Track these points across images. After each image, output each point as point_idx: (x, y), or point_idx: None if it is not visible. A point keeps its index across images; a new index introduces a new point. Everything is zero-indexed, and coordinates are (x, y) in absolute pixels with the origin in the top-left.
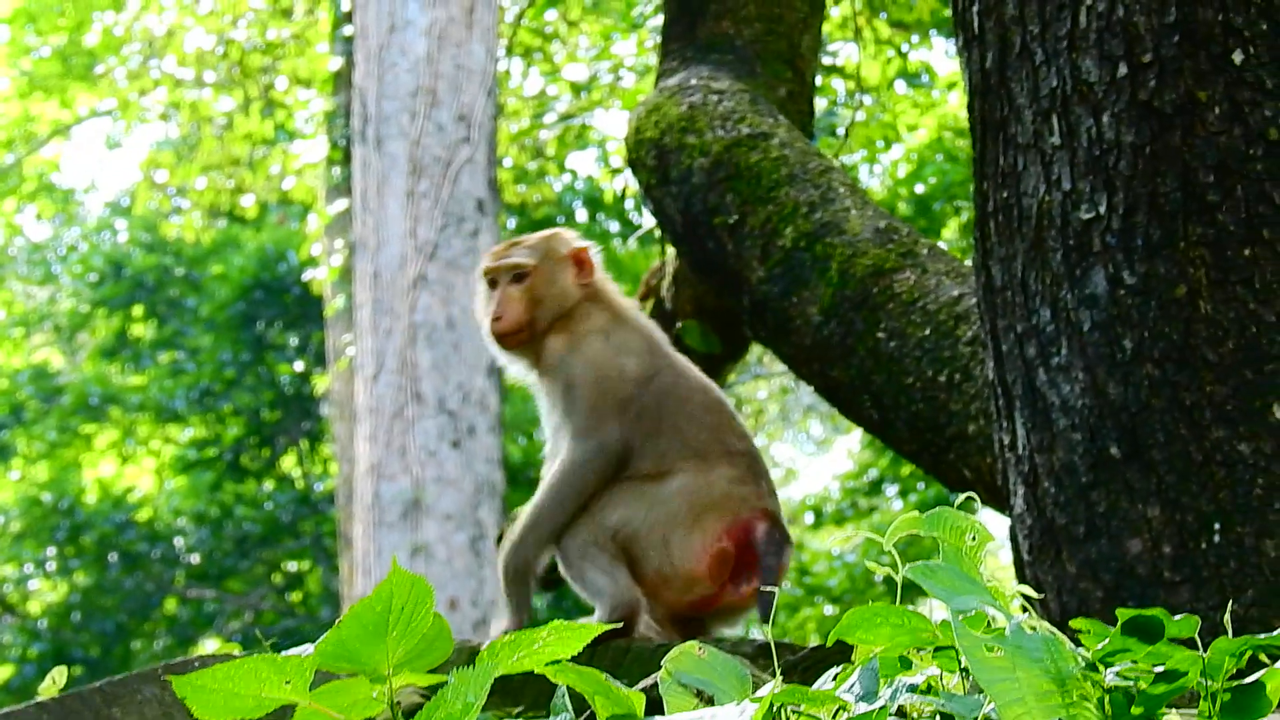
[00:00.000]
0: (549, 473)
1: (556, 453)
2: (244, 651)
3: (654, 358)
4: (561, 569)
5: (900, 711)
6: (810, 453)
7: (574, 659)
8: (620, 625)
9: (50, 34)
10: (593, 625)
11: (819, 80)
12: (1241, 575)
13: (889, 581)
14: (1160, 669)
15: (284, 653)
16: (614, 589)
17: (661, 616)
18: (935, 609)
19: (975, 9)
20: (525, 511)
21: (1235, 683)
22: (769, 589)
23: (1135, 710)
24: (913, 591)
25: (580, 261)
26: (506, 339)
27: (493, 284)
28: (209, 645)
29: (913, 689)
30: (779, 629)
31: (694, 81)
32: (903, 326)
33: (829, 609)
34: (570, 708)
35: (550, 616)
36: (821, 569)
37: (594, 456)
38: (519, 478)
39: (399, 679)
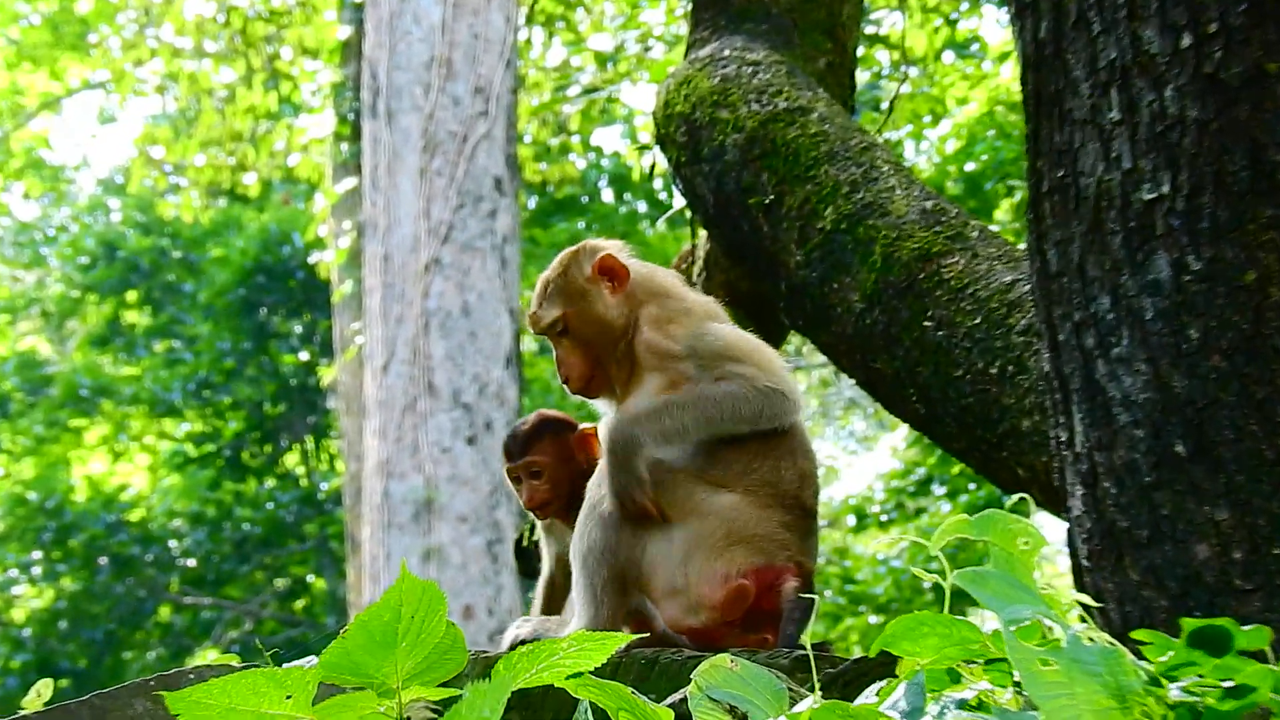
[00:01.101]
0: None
1: None
2: (243, 663)
3: None
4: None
5: None
6: (852, 450)
7: (596, 672)
8: (648, 635)
9: (39, 0)
10: (617, 635)
11: (861, 51)
12: None
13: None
14: (1229, 684)
15: (286, 665)
16: (595, 616)
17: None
18: (986, 619)
19: None
20: (656, 401)
21: None
22: (789, 631)
23: None
24: (962, 600)
25: (607, 272)
26: (584, 394)
27: (553, 340)
28: (206, 656)
29: (962, 705)
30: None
31: (727, 52)
32: (951, 315)
33: (873, 618)
34: None
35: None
36: (865, 575)
37: (768, 395)
38: None
39: (409, 693)
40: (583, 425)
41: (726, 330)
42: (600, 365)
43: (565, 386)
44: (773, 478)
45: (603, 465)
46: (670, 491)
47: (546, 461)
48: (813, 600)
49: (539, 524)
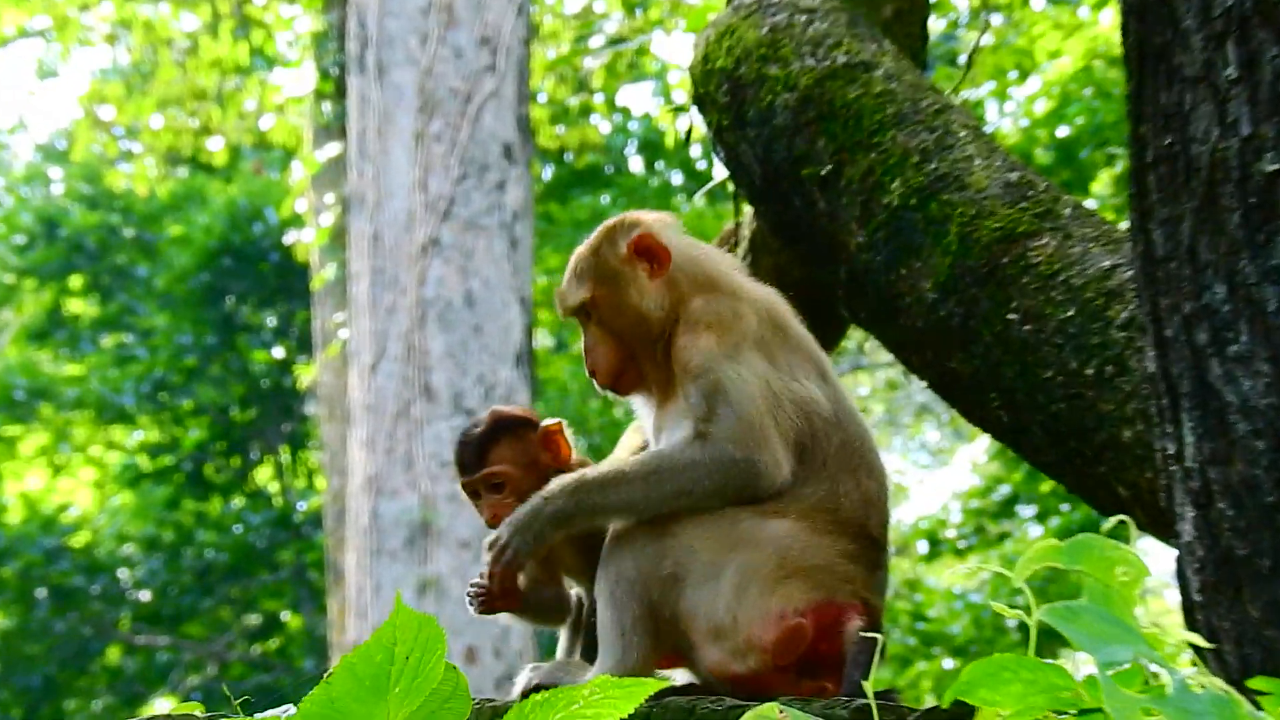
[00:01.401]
0: (661, 446)
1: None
2: (207, 714)
3: (824, 380)
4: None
5: None
6: (925, 464)
7: None
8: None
9: None
10: (647, 682)
11: None
12: None
13: (1022, 627)
14: None
15: (258, 715)
16: (621, 659)
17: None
18: (1079, 662)
19: None
20: (596, 467)
21: None
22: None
23: None
24: (1051, 640)
25: (645, 252)
26: (614, 390)
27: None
28: (162, 705)
29: None
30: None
31: None
32: (1040, 306)
33: (948, 662)
34: None
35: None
36: (939, 612)
37: (732, 469)
38: None
39: None
40: (545, 422)
41: (746, 363)
42: (635, 359)
43: (592, 379)
44: (830, 503)
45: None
46: (711, 519)
47: (507, 471)
48: (879, 640)
49: None
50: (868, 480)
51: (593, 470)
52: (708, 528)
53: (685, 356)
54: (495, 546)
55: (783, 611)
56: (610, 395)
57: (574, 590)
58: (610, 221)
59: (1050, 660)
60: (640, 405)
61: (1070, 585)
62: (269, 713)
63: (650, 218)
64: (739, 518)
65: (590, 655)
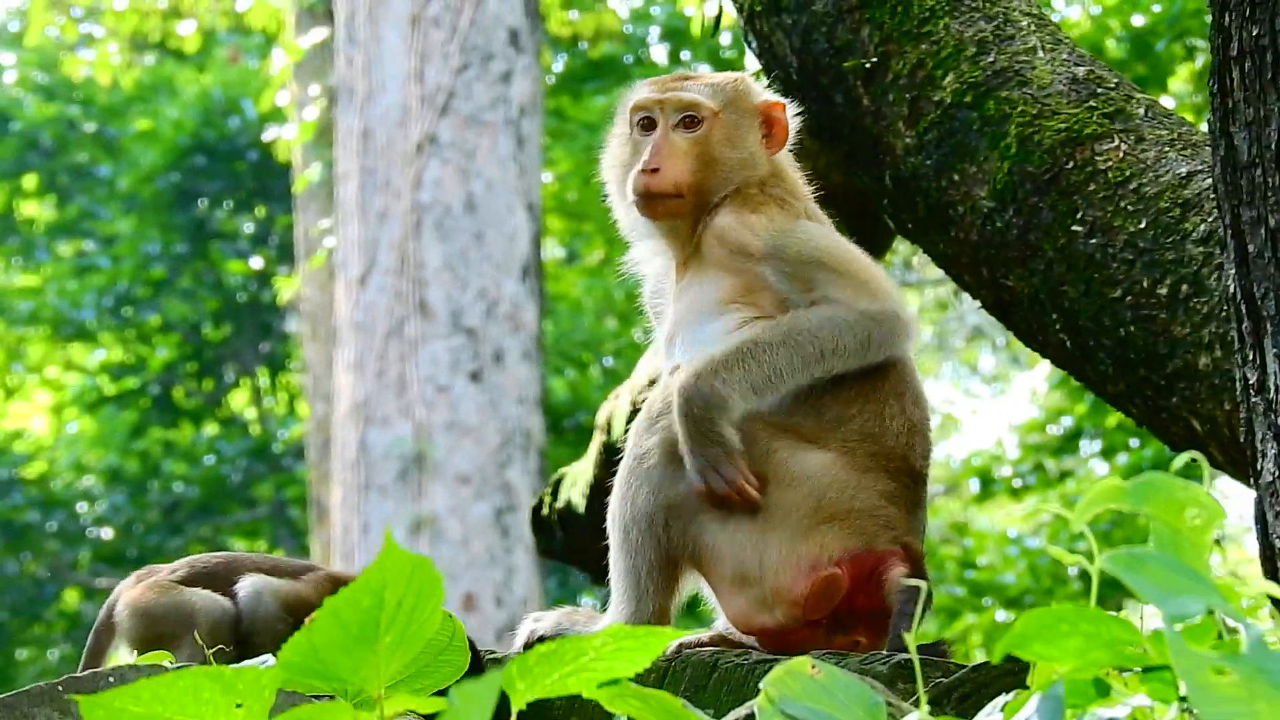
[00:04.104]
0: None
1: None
2: (176, 664)
3: None
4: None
5: None
6: (978, 394)
7: (638, 679)
8: (705, 633)
9: None
10: (665, 632)
11: None
12: None
13: (1083, 576)
14: None
15: (233, 666)
16: (634, 607)
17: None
18: (1144, 614)
19: None
20: (729, 342)
21: None
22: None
23: None
24: (1114, 590)
25: (771, 122)
26: (656, 203)
27: (647, 125)
28: (125, 655)
29: None
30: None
31: None
32: (1108, 217)
33: (1000, 614)
34: None
35: (560, 598)
36: (991, 559)
37: (869, 322)
38: (563, 425)
39: (394, 703)
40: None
41: (820, 232)
42: (698, 193)
43: (644, 180)
44: (875, 428)
45: (678, 429)
46: (744, 444)
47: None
48: (925, 589)
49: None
50: (914, 407)
51: (718, 350)
52: (750, 447)
53: (739, 238)
54: (707, 472)
55: (815, 560)
56: (639, 207)
57: None
58: (743, 74)
59: (1113, 612)
60: (645, 255)
61: (1137, 529)
62: (246, 663)
63: (785, 101)
64: (774, 445)
65: None
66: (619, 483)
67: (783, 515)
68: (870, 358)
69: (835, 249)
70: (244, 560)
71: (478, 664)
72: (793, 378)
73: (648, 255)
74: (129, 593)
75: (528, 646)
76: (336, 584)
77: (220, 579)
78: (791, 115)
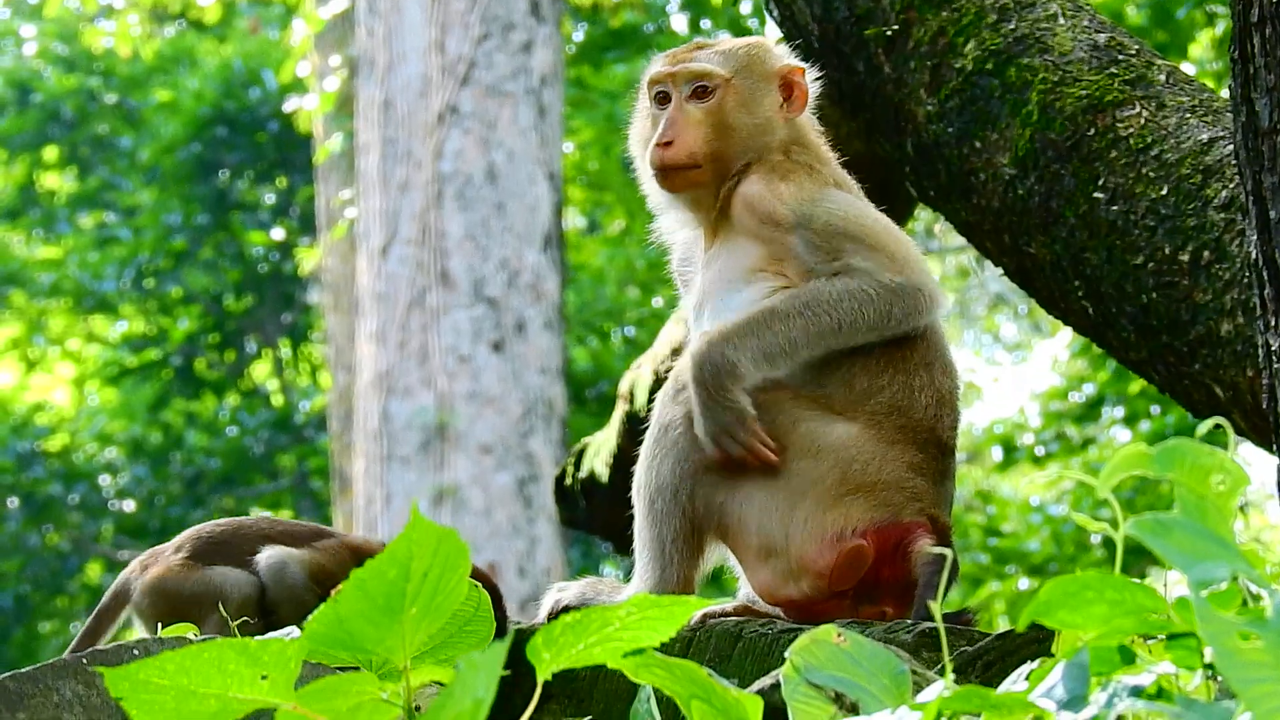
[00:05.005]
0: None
1: None
2: (200, 635)
3: None
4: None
5: None
6: (999, 361)
7: (662, 649)
8: (730, 603)
9: None
10: (690, 601)
11: None
12: None
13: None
14: None
15: (259, 637)
16: (659, 577)
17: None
18: (1170, 581)
19: None
20: (748, 311)
21: None
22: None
23: None
24: (1139, 557)
25: (789, 86)
26: (674, 175)
27: (663, 98)
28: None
29: (1136, 692)
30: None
31: None
32: (1129, 184)
33: (1024, 581)
34: (658, 717)
35: (583, 568)
36: (1015, 526)
37: (898, 292)
38: (585, 395)
39: (419, 674)
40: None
41: (848, 200)
42: (715, 161)
43: (658, 154)
44: (903, 400)
45: (691, 397)
46: (767, 418)
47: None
48: (951, 559)
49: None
50: (943, 377)
51: (735, 319)
52: (764, 426)
53: (767, 207)
54: (720, 436)
55: (841, 532)
56: (658, 181)
57: None
58: (764, 39)
59: (1138, 579)
60: (673, 225)
61: (1161, 496)
62: (270, 635)
63: (804, 64)
64: (801, 416)
65: None
66: (644, 452)
67: (808, 486)
68: (890, 331)
69: (863, 218)
70: (250, 527)
71: (504, 630)
72: (808, 348)
73: (675, 225)
74: (149, 576)
75: (552, 617)
76: (353, 552)
77: (234, 550)
78: (811, 79)
